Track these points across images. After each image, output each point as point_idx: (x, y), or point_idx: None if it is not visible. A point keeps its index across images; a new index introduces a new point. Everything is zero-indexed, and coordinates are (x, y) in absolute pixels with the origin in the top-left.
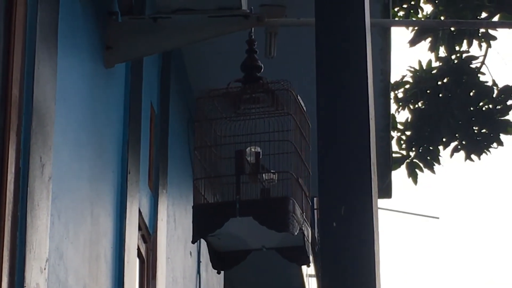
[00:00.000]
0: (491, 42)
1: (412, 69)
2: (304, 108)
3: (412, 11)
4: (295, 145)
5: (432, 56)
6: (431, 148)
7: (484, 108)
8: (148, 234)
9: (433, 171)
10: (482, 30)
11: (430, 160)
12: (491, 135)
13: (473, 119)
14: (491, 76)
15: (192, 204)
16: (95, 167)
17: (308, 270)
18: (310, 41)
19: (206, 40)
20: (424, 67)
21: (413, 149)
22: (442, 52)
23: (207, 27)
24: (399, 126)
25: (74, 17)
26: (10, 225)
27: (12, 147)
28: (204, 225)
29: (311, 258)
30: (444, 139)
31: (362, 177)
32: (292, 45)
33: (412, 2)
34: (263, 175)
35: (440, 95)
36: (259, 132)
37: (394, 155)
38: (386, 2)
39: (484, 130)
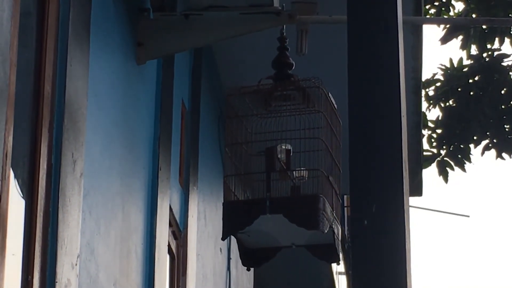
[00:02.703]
0: None
1: (443, 67)
2: (335, 105)
3: (443, 8)
4: (325, 142)
5: (463, 54)
6: (462, 146)
7: None
8: (179, 231)
9: (464, 170)
10: None
11: (461, 158)
12: None
13: (504, 117)
14: None
15: (222, 201)
16: (126, 164)
17: (338, 268)
18: (341, 39)
19: (238, 37)
20: (455, 65)
21: (444, 147)
22: (474, 50)
23: (238, 24)
24: (430, 124)
25: (106, 14)
26: (42, 221)
27: (44, 143)
28: (234, 222)
29: (341, 256)
30: (475, 137)
31: (393, 175)
32: (323, 42)
33: (444, 0)
34: (294, 172)
35: (471, 93)
36: (290, 130)
37: (424, 153)
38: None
39: None
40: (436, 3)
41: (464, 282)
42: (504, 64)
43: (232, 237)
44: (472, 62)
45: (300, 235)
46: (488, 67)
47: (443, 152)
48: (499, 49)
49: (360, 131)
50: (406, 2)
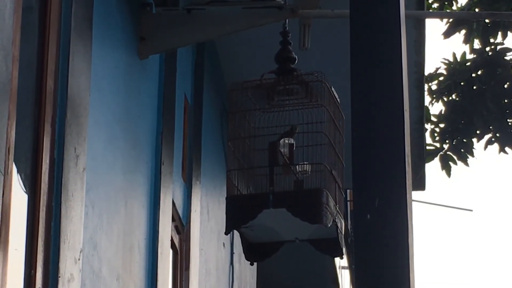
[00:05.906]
0: None
1: (446, 61)
2: (338, 99)
3: (446, 3)
4: (328, 136)
5: (466, 48)
6: (464, 140)
7: None
8: (182, 225)
9: (466, 164)
10: None
11: (463, 152)
12: None
13: (507, 111)
14: None
15: (226, 196)
16: (129, 158)
17: (341, 262)
18: (344, 33)
19: (240, 32)
20: (458, 59)
21: (447, 141)
22: (477, 44)
23: (241, 19)
24: (433, 119)
25: (108, 8)
26: (45, 216)
27: (47, 138)
28: (237, 217)
29: (344, 250)
30: (478, 132)
31: (396, 169)
32: (326, 36)
33: None
34: (297, 166)
35: (474, 87)
36: (293, 124)
37: (427, 147)
38: None
39: None
40: None
41: (466, 276)
42: (507, 58)
43: (235, 231)
44: (475, 56)
45: (304, 229)
46: (491, 61)
47: (446, 146)
48: (502, 43)
49: (363, 125)
50: None
